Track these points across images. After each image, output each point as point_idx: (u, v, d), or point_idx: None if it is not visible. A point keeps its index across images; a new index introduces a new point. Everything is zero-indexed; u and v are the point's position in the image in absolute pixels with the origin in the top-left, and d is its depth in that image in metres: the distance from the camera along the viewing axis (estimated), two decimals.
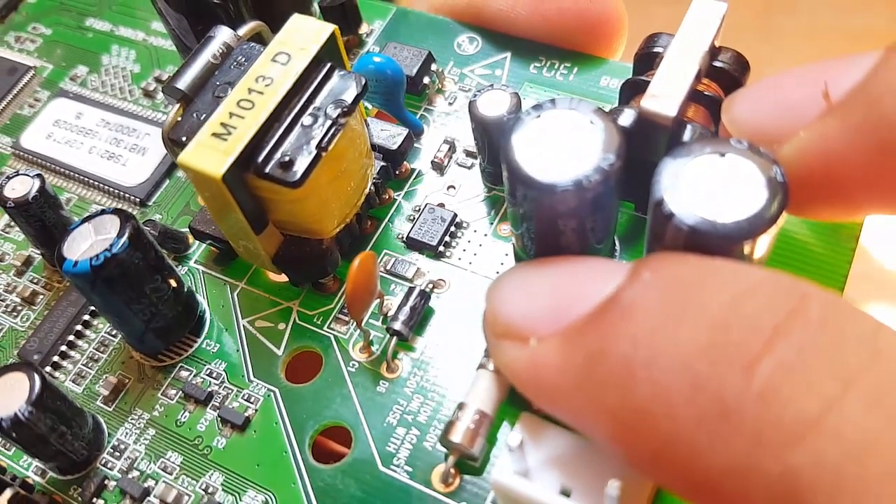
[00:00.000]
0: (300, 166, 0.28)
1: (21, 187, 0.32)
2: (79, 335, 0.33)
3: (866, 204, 0.25)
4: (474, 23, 0.38)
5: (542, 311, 0.23)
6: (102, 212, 0.29)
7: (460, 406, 0.27)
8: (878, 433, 0.16)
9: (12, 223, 0.37)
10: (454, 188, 0.34)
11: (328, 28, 0.30)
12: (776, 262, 0.30)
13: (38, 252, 0.35)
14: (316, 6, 0.39)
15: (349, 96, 0.29)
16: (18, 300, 0.34)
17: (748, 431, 0.17)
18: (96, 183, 0.36)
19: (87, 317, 0.33)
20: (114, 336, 0.33)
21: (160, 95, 0.39)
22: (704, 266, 0.21)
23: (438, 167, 0.34)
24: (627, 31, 0.36)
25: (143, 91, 0.39)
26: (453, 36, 0.38)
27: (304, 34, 0.30)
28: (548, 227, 0.26)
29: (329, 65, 0.30)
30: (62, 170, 0.37)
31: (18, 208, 0.32)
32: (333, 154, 0.28)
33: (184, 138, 0.29)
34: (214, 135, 0.28)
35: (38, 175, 0.32)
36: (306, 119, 0.29)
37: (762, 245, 0.23)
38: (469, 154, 0.35)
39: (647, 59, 0.31)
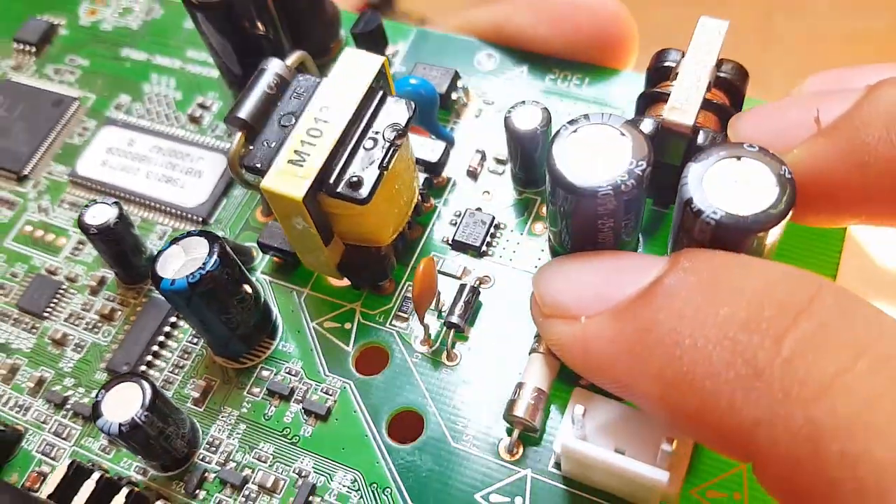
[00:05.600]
0: (367, 185, 0.31)
1: (101, 215, 0.35)
2: (161, 345, 0.36)
3: (846, 213, 0.29)
4: (494, 40, 0.42)
5: (590, 295, 0.28)
6: (189, 234, 0.32)
7: (519, 385, 0.32)
8: (883, 391, 0.20)
9: (80, 246, 0.40)
10: (488, 193, 0.38)
11: (378, 60, 0.33)
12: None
13: (112, 272, 0.38)
14: (343, 32, 0.43)
15: (402, 119, 0.33)
16: (97, 317, 0.38)
17: (777, 388, 0.21)
18: (158, 206, 0.40)
19: (167, 328, 0.36)
20: (195, 344, 0.36)
21: (206, 120, 0.42)
22: (736, 259, 0.25)
23: (473, 175, 0.39)
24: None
25: (189, 117, 0.43)
26: (472, 53, 0.42)
27: (358, 66, 0.33)
28: (588, 225, 0.30)
29: (382, 92, 0.33)
30: (122, 195, 0.40)
31: (101, 234, 0.35)
32: (390, 172, 0.32)
33: (258, 165, 0.32)
34: (290, 162, 0.31)
35: (116, 203, 0.35)
36: (367, 143, 0.32)
37: (774, 235, 0.27)
38: (499, 161, 0.39)
39: (658, 73, 0.35)
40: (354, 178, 0.31)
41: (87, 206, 0.36)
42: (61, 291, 0.38)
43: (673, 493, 0.29)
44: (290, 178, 0.31)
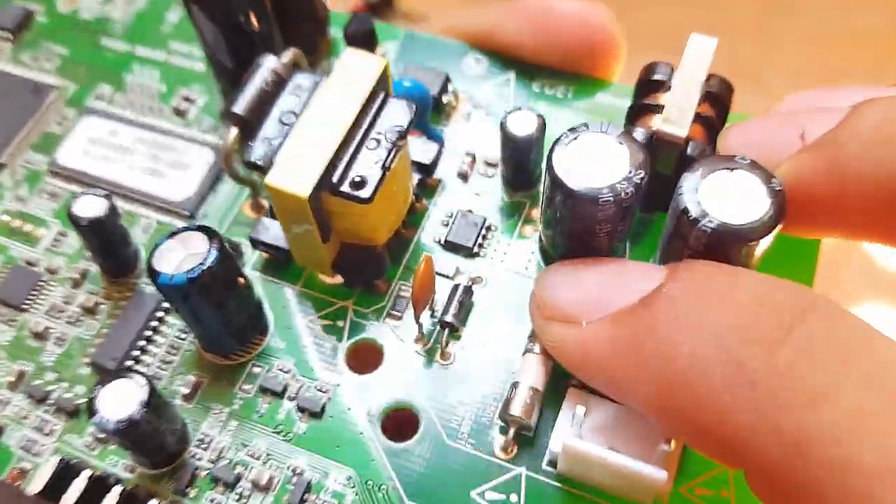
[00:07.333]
0: (370, 185, 0.32)
1: (91, 207, 0.34)
2: (149, 340, 0.36)
3: (825, 225, 0.30)
4: (482, 46, 0.42)
5: (591, 300, 0.29)
6: (186, 228, 0.32)
7: (514, 385, 0.32)
8: (870, 403, 0.22)
9: (60, 237, 0.39)
10: (479, 195, 0.39)
11: (381, 62, 0.34)
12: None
13: (97, 264, 0.37)
14: (332, 31, 0.43)
15: (403, 122, 0.33)
16: (80, 311, 0.37)
17: (769, 397, 0.22)
18: (143, 198, 0.39)
19: (154, 323, 0.36)
20: (183, 339, 0.36)
21: (191, 114, 0.42)
22: (732, 271, 0.27)
23: (463, 177, 0.39)
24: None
25: (174, 109, 0.42)
26: (460, 56, 0.43)
27: (360, 67, 0.34)
28: (585, 230, 0.31)
29: (384, 94, 0.34)
30: (105, 186, 0.39)
31: (92, 226, 0.34)
32: (391, 173, 0.33)
33: (260, 162, 0.32)
34: (295, 159, 0.31)
35: (107, 195, 0.35)
36: (370, 143, 0.33)
37: (764, 245, 0.29)
38: (489, 164, 0.39)
39: (647, 85, 0.37)
40: (358, 178, 0.32)
41: (75, 196, 0.35)
42: (41, 283, 0.37)
43: (665, 491, 0.30)
44: (294, 175, 0.31)
